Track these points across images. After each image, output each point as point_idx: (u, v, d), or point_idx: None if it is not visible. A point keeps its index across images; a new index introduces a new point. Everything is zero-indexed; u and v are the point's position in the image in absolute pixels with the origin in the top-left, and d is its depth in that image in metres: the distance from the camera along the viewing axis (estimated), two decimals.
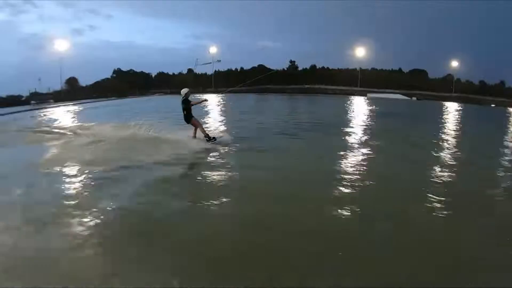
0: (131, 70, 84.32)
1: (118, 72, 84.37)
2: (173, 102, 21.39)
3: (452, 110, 39.95)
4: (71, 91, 70.86)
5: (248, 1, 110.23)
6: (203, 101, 12.37)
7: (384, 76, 76.64)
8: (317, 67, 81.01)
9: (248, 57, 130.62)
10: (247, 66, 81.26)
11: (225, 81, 72.76)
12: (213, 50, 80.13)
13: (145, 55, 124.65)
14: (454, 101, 62.51)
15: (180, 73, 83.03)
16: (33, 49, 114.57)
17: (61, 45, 66.28)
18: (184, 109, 11.20)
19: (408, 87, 70.27)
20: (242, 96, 55.51)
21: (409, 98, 64.67)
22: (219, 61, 79.16)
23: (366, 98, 58.29)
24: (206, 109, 25.08)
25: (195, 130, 11.57)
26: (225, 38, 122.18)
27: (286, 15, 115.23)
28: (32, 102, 54.39)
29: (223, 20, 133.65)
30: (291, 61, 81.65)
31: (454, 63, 75.79)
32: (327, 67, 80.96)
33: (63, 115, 26.90)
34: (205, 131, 11.40)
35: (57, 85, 70.19)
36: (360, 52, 75.53)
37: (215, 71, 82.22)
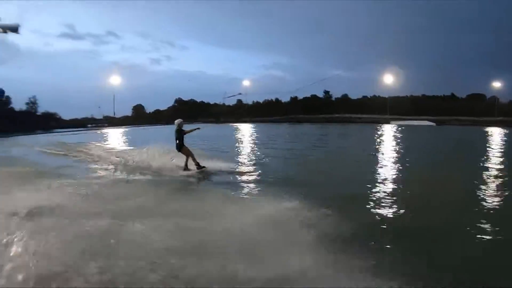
0: (191, 99, 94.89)
1: (178, 101, 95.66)
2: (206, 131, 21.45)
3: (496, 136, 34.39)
4: (135, 117, 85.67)
5: (318, 33, 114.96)
6: (195, 129, 12.58)
7: (415, 101, 78.68)
8: (349, 96, 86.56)
9: (318, 85, 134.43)
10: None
11: (263, 111, 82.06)
12: (246, 83, 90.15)
13: (215, 85, 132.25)
14: (497, 126, 56.10)
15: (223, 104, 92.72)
16: (115, 76, 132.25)
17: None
18: (177, 138, 11.84)
19: (442, 113, 70.09)
20: (272, 125, 61.29)
21: (432, 124, 64.60)
22: (240, 94, 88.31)
23: (391, 125, 59.93)
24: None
25: (187, 159, 12.00)
26: (295, 68, 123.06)
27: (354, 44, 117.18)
28: (88, 125, 69.85)
29: (294, 50, 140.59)
30: (325, 91, 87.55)
31: (496, 84, 73.43)
32: (358, 97, 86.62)
33: (91, 137, 35.28)
34: (195, 159, 11.87)
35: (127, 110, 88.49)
36: (389, 79, 79.64)
37: (254, 102, 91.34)
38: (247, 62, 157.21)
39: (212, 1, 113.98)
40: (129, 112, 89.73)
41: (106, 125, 70.22)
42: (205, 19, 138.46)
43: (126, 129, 55.36)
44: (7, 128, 53.28)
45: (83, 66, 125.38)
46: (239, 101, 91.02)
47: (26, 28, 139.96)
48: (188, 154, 11.87)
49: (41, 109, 73.38)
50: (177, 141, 11.84)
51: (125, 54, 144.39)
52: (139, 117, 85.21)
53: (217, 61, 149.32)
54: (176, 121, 12.22)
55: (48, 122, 67.65)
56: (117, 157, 14.66)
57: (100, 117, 78.28)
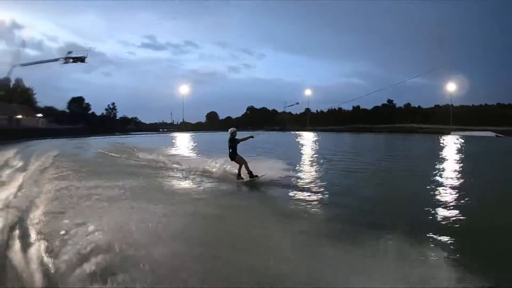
0: (263, 107, 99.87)
1: (250, 109, 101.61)
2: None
3: None
4: (209, 123, 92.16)
5: (398, 39, 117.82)
6: (249, 137, 12.17)
7: (482, 111, 76.36)
8: (411, 105, 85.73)
9: (398, 93, 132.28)
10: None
11: (325, 120, 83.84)
12: (307, 92, 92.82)
13: (292, 92, 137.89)
14: None
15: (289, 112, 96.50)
16: (193, 84, 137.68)
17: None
18: (230, 147, 11.45)
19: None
20: (333, 134, 62.28)
21: (492, 135, 59.48)
22: (297, 103, 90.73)
23: (452, 136, 58.40)
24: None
25: (240, 167, 11.52)
26: (375, 76, 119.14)
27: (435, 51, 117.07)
28: (160, 129, 78.48)
29: (374, 58, 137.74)
30: (388, 100, 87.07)
31: None
32: (419, 106, 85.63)
33: (160, 140, 39.69)
34: (248, 167, 11.36)
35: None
36: (452, 87, 78.13)
37: (317, 110, 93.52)
38: (327, 69, 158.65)
39: (289, 10, 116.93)
40: (203, 119, 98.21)
41: (175, 129, 76.21)
42: (282, 26, 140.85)
43: (193, 134, 59.83)
44: (90, 131, 60.25)
45: (163, 74, 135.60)
46: (307, 109, 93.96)
47: (113, 39, 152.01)
48: (241, 162, 11.37)
49: (119, 114, 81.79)
50: (230, 150, 11.42)
51: (204, 63, 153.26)
52: (211, 123, 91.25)
53: (295, 69, 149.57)
54: (229, 130, 11.73)
55: (126, 125, 74.95)
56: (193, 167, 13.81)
57: (171, 121, 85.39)
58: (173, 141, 38.43)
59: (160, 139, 43.10)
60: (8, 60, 54.15)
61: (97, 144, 31.95)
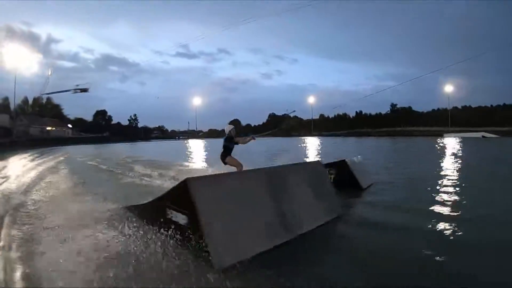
0: (284, 114, 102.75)
1: (272, 116, 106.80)
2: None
3: None
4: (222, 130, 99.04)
5: (431, 40, 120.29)
6: (250, 139, 9.58)
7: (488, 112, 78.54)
8: (413, 109, 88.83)
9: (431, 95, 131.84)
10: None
11: (330, 125, 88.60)
12: (311, 99, 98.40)
13: (326, 98, 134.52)
14: None
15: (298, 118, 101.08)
16: (226, 91, 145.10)
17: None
18: (223, 146, 8.86)
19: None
20: (339, 139, 63.21)
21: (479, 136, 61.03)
22: (294, 111, 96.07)
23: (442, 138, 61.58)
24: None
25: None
26: (407, 77, 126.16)
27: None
28: (176, 137, 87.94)
29: (406, 60, 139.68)
30: (392, 104, 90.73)
31: None
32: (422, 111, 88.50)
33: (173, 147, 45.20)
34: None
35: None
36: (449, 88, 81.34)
37: (328, 116, 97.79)
38: (358, 73, 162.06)
39: (320, 14, 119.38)
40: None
41: (189, 137, 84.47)
42: (313, 31, 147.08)
43: (205, 141, 66.33)
44: (112, 138, 69.05)
45: (196, 82, 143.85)
46: (321, 115, 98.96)
47: (147, 48, 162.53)
48: (235, 165, 8.76)
49: (148, 122, 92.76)
50: (223, 150, 8.91)
51: (237, 70, 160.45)
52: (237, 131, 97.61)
53: (328, 73, 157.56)
54: (226, 128, 9.09)
55: (147, 134, 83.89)
56: None
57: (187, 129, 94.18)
58: (183, 149, 36.12)
59: (170, 147, 44.49)
60: (45, 73, 64.11)
61: (105, 153, 31.79)
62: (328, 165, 8.64)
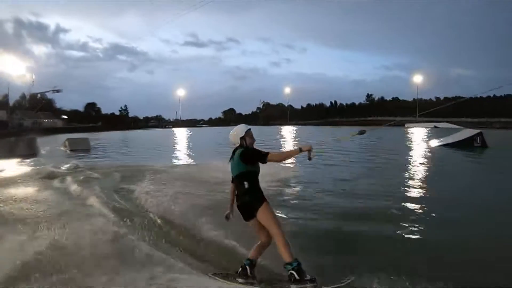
0: (280, 103, 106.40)
1: (266, 105, 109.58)
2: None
3: None
4: (224, 119, 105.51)
5: (440, 29, 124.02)
6: (295, 151, 4.03)
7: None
8: (386, 99, 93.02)
9: (442, 85, 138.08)
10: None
11: (306, 115, 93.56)
12: (287, 90, 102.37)
13: (333, 88, 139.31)
14: None
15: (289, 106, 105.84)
16: (235, 80, 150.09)
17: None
18: (240, 176, 4.16)
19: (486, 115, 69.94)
20: (316, 128, 69.08)
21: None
22: (264, 101, 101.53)
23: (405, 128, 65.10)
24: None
25: (264, 244, 4.23)
26: (417, 68, 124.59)
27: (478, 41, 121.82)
28: (166, 126, 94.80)
29: (415, 50, 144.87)
30: (368, 94, 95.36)
31: None
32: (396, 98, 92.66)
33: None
34: (288, 248, 3.90)
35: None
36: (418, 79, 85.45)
37: (302, 106, 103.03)
38: (368, 63, 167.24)
39: (328, 3, 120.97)
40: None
41: (171, 126, 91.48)
42: (323, 20, 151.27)
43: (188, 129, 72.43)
44: (102, 128, 76.82)
45: (205, 71, 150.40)
46: (310, 104, 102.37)
47: (156, 38, 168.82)
48: (274, 231, 3.99)
49: (148, 111, 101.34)
50: (246, 186, 4.11)
51: (246, 58, 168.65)
52: (226, 119, 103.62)
53: (337, 63, 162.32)
54: (235, 131, 4.35)
55: (137, 123, 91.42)
56: None
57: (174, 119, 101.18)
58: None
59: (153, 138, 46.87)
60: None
61: None
62: None
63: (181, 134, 51.08)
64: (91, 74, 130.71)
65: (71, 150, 24.87)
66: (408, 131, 51.24)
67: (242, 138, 4.29)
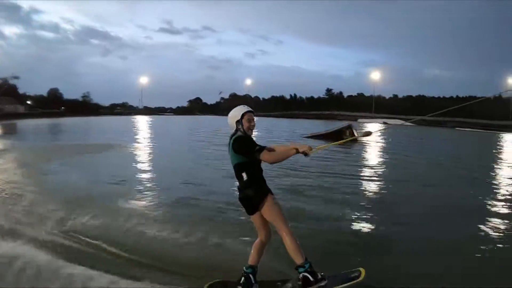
0: (246, 94, 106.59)
1: (234, 95, 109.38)
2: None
3: None
4: (192, 108, 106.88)
5: (419, 29, 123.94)
6: (303, 152, 3.66)
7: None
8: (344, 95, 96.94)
9: (415, 84, 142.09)
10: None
11: (267, 106, 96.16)
12: (247, 82, 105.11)
13: (308, 81, 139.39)
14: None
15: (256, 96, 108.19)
16: (209, 69, 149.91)
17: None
18: (237, 167, 3.78)
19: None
20: (275, 120, 70.31)
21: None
22: (221, 92, 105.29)
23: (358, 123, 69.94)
24: None
25: (264, 242, 3.94)
26: (393, 66, 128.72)
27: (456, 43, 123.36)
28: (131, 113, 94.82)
29: (393, 48, 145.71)
30: (327, 89, 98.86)
31: None
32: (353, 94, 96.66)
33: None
34: (298, 247, 3.63)
35: None
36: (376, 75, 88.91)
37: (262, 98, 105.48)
38: (345, 58, 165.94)
39: None
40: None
41: (132, 112, 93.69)
42: (301, 14, 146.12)
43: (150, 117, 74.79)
44: (68, 113, 78.53)
45: (179, 58, 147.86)
46: (275, 96, 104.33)
47: (131, 23, 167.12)
48: (277, 222, 3.67)
49: (101, 100, 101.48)
50: (244, 176, 3.73)
51: (221, 48, 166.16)
52: (192, 108, 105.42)
53: (313, 57, 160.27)
54: (232, 116, 3.81)
55: (97, 110, 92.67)
56: None
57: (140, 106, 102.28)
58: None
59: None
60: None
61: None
62: None
63: (126, 122, 53.08)
64: (63, 57, 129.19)
65: None
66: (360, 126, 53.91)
67: (238, 122, 3.78)
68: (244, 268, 3.86)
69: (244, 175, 3.69)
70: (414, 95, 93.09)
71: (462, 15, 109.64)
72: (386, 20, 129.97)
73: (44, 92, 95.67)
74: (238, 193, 3.82)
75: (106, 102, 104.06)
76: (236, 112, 3.78)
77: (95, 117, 71.76)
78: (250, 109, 3.80)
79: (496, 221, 6.61)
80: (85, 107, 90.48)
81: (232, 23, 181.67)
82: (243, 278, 3.81)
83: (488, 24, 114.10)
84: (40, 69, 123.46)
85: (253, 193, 3.69)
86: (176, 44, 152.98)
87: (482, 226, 6.26)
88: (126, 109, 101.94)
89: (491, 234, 5.94)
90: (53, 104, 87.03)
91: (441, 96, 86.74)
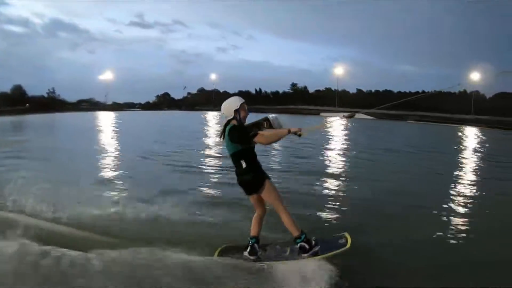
0: (214, 89, 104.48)
1: (201, 90, 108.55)
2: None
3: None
4: (160, 103, 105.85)
5: (387, 25, 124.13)
6: (295, 132, 4.39)
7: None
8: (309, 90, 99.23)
9: (386, 80, 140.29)
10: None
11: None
12: (213, 77, 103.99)
13: (280, 77, 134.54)
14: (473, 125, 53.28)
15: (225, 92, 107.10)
16: (180, 64, 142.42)
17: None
18: (235, 156, 4.39)
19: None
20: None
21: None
22: (185, 87, 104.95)
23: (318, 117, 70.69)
24: None
25: (261, 215, 4.71)
26: (364, 61, 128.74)
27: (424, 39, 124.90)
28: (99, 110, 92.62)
29: (361, 43, 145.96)
30: (292, 84, 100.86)
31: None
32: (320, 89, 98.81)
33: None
34: (293, 222, 4.38)
35: None
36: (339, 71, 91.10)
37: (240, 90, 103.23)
38: (314, 54, 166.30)
39: None
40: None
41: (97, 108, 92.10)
42: (272, 9, 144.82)
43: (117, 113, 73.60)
44: (31, 110, 77.30)
45: (150, 53, 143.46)
46: (241, 91, 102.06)
47: (101, 16, 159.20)
48: (276, 205, 4.39)
49: (66, 96, 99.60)
50: (243, 164, 4.35)
51: (192, 43, 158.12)
52: (160, 103, 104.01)
53: (284, 52, 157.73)
54: (225, 104, 4.49)
55: (63, 106, 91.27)
56: None
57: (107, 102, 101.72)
58: None
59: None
60: None
61: None
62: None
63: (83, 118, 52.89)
64: (30, 52, 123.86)
65: None
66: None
67: (236, 111, 4.27)
68: (249, 238, 4.62)
69: (243, 163, 4.29)
70: (381, 90, 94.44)
71: (433, 13, 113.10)
72: (358, 17, 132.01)
73: (8, 89, 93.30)
74: (237, 177, 4.45)
75: (73, 98, 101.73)
76: (235, 102, 4.41)
77: (52, 114, 71.12)
78: (243, 100, 4.50)
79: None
80: (50, 103, 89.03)
81: (203, 18, 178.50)
82: (249, 247, 4.55)
83: (457, 22, 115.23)
84: (6, 65, 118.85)
85: (253, 179, 4.34)
86: (147, 38, 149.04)
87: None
88: (92, 105, 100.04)
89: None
90: (17, 102, 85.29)
91: (407, 91, 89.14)
